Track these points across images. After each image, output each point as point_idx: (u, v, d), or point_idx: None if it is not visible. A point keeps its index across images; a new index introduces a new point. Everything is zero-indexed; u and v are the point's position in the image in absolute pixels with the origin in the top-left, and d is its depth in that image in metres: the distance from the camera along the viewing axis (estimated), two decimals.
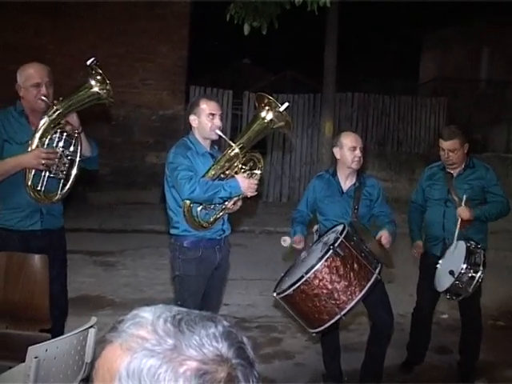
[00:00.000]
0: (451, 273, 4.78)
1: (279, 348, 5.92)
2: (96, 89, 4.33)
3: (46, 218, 4.53)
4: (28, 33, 12.80)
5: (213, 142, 4.59)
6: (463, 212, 4.96)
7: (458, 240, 4.96)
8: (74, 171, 4.52)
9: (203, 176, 4.25)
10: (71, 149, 4.47)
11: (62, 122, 4.40)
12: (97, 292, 7.46)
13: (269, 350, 5.86)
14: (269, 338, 6.16)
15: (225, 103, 13.86)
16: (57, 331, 4.22)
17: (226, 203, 4.37)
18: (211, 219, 4.39)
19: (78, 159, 4.50)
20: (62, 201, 4.64)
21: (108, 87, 4.36)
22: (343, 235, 4.28)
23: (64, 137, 4.44)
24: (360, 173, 5.00)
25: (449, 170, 5.20)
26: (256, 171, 4.37)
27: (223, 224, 4.56)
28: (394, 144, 15.72)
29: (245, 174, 4.30)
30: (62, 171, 4.44)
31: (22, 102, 4.47)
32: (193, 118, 4.45)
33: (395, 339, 5.63)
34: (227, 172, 4.33)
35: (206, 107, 4.39)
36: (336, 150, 4.91)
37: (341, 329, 6.18)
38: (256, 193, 4.37)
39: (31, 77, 4.38)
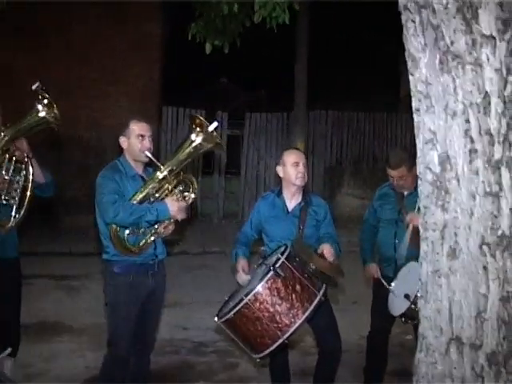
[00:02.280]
0: (406, 296, 4.58)
1: (234, 373, 5.78)
2: (43, 113, 4.35)
3: None
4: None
5: (147, 165, 4.48)
6: (415, 217, 4.54)
7: (410, 260, 4.77)
8: (27, 197, 4.49)
9: (130, 199, 4.14)
10: (22, 174, 4.46)
11: (11, 148, 4.41)
12: (55, 318, 7.26)
13: (223, 375, 5.72)
14: (225, 363, 6.00)
15: None
16: None
17: (156, 227, 4.25)
18: (141, 244, 4.26)
19: (29, 185, 4.48)
20: (17, 232, 4.65)
21: (55, 111, 4.37)
22: (284, 256, 4.15)
23: (13, 163, 4.46)
24: (306, 192, 4.87)
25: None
26: (190, 194, 4.28)
27: (155, 248, 4.41)
28: (370, 161, 15.54)
29: (174, 197, 4.19)
30: (13, 197, 4.44)
31: None
32: (123, 140, 4.37)
33: (353, 362, 5.49)
34: (157, 195, 4.22)
35: (136, 128, 4.31)
36: (279, 169, 4.79)
37: (302, 353, 6.03)
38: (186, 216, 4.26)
39: None
